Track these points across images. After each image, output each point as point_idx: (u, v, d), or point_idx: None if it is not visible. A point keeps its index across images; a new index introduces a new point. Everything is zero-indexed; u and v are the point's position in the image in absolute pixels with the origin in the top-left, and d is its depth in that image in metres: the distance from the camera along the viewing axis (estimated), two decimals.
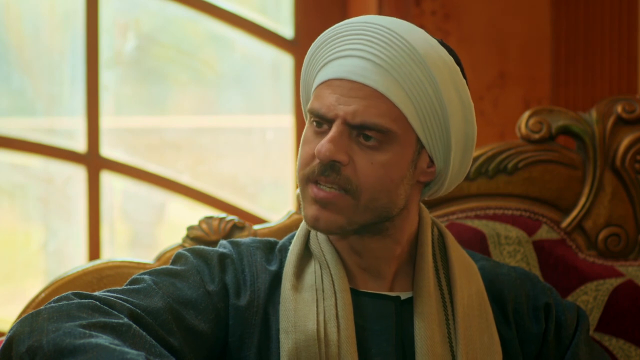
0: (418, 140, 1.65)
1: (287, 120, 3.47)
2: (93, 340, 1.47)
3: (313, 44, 1.70)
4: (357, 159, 1.62)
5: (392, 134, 1.62)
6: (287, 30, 3.43)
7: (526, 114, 2.12)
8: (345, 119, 1.62)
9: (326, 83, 1.65)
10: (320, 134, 1.65)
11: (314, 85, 1.68)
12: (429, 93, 1.63)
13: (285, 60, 3.45)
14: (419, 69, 1.62)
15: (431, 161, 1.68)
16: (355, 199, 1.63)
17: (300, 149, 1.68)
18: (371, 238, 1.70)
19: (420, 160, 1.67)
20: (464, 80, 1.66)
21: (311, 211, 1.65)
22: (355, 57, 1.63)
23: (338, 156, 1.61)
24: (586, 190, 2.11)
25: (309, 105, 1.67)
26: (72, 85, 3.34)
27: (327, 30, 1.69)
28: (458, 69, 1.65)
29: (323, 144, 1.61)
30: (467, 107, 1.66)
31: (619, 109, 2.12)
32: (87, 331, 1.49)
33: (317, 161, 1.63)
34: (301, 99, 1.76)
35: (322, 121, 1.64)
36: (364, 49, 1.63)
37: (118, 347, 1.46)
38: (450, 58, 1.65)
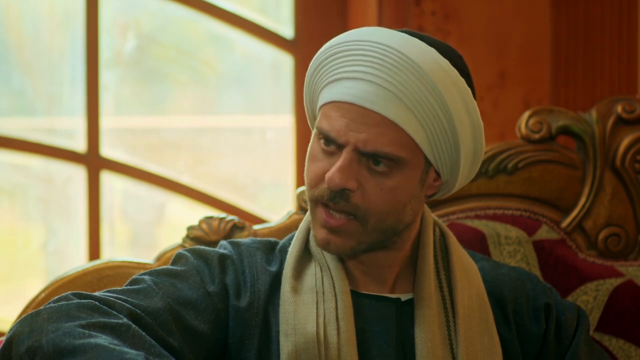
0: (426, 159, 1.65)
1: (287, 120, 3.46)
2: (92, 340, 1.46)
3: (319, 54, 1.66)
4: (366, 183, 1.62)
5: (402, 161, 1.61)
6: (287, 30, 3.43)
7: (526, 114, 2.12)
8: (356, 146, 1.60)
9: (335, 104, 1.63)
10: (329, 153, 1.63)
11: (321, 100, 1.66)
12: (441, 118, 1.61)
13: (285, 60, 3.45)
14: (432, 96, 1.60)
15: (437, 174, 1.68)
16: (362, 224, 1.63)
17: (307, 164, 1.66)
18: (377, 253, 1.70)
19: (428, 177, 1.67)
20: (474, 101, 1.65)
21: (321, 234, 1.65)
22: (366, 81, 1.60)
23: (348, 184, 1.61)
24: (586, 190, 2.11)
25: (317, 123, 1.65)
26: (72, 85, 3.34)
27: (334, 41, 1.65)
28: (469, 90, 1.63)
29: (334, 173, 1.60)
30: (476, 127, 1.65)
31: (619, 109, 2.12)
32: (86, 331, 1.49)
33: (326, 185, 1.62)
34: (305, 102, 1.73)
35: (331, 143, 1.63)
36: (374, 72, 1.59)
37: (117, 347, 1.46)
38: (462, 80, 1.62)
